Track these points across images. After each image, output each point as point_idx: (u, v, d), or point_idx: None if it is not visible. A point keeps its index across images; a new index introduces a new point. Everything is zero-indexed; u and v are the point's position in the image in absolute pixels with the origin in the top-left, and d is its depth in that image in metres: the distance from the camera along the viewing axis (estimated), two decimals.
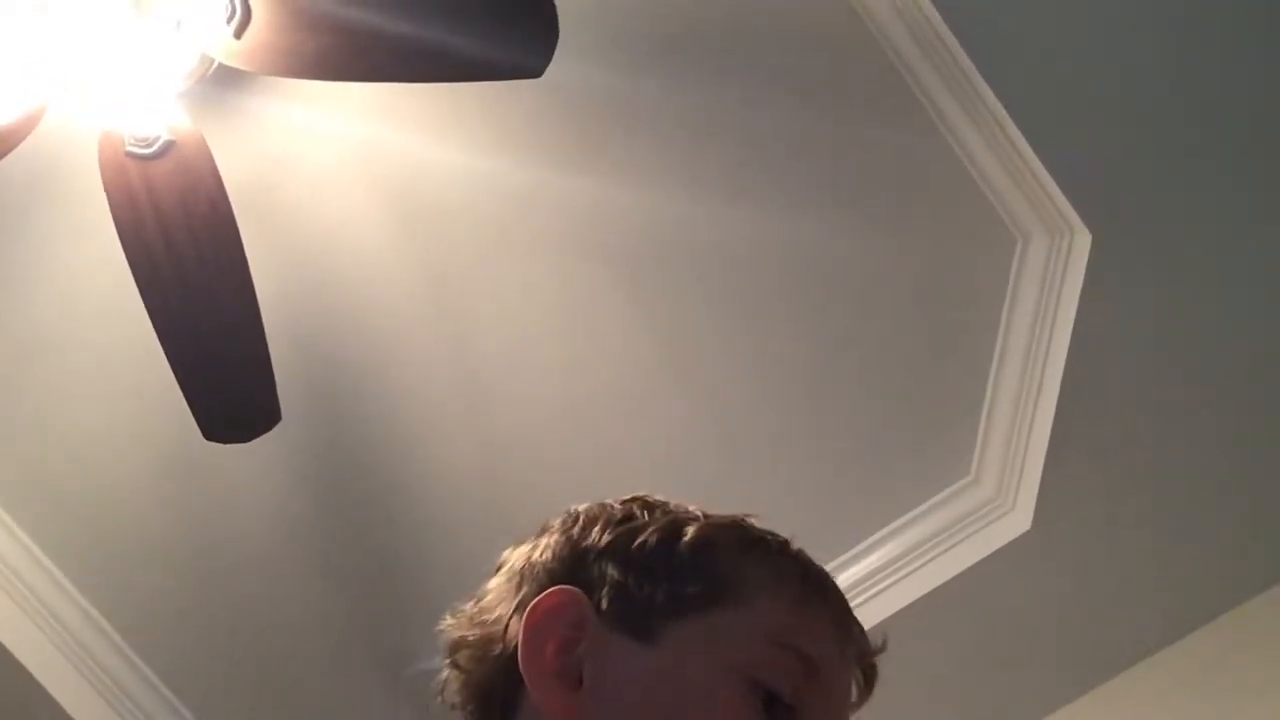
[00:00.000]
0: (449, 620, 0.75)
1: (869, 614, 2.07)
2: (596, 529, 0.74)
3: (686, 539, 0.72)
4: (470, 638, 0.73)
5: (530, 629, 0.69)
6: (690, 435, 1.99)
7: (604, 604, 0.70)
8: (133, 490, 2.09)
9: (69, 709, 2.12)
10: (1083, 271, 1.78)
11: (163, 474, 2.08)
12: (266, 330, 1.64)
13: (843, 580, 2.08)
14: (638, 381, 2.00)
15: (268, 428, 1.74)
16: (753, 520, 0.76)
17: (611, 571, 0.71)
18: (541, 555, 0.74)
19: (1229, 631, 2.09)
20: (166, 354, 1.63)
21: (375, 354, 2.01)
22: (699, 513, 0.76)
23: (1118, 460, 1.96)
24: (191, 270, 1.54)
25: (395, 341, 2.00)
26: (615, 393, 1.99)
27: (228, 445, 1.76)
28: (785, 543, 0.75)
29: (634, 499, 0.77)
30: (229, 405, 1.70)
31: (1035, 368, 1.92)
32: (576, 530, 0.75)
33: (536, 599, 0.70)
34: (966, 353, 1.97)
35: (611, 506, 0.76)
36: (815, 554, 2.25)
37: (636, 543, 0.72)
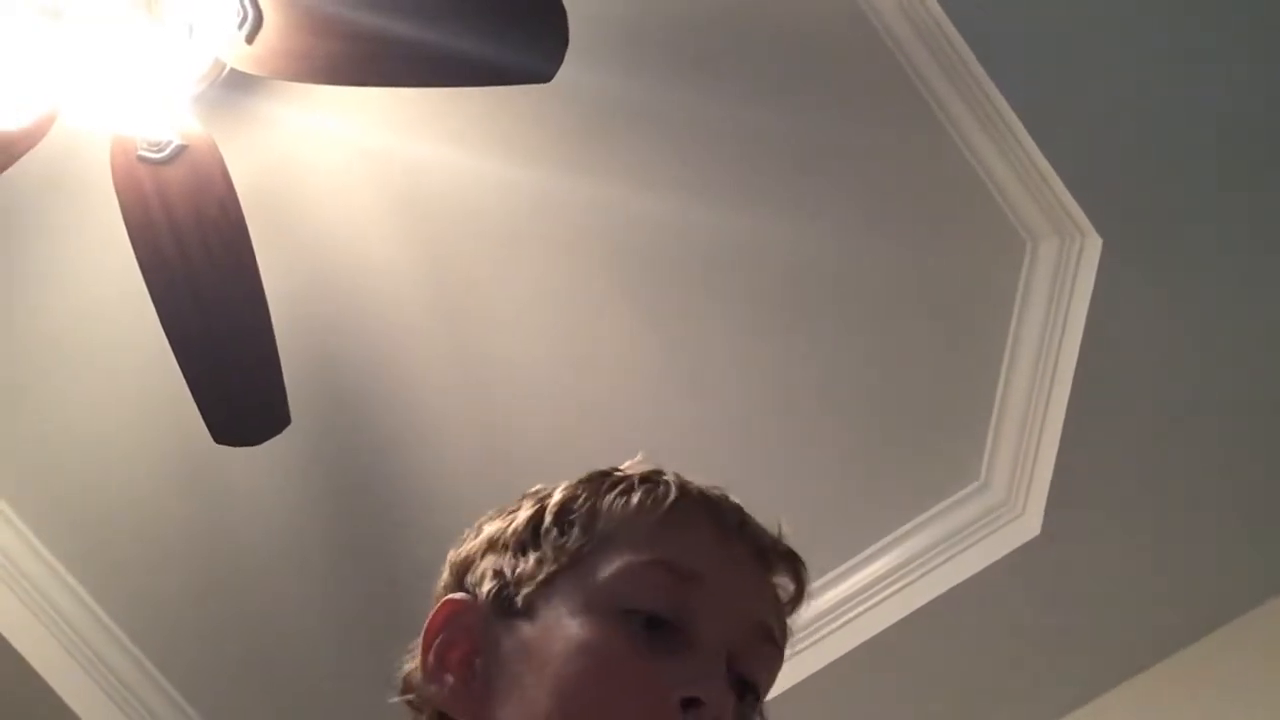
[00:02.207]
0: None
1: (879, 618, 2.07)
2: (477, 532, 0.74)
3: (549, 506, 0.72)
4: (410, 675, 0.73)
5: (424, 652, 0.69)
6: (698, 439, 1.99)
7: (487, 597, 0.69)
8: (143, 492, 2.10)
9: (78, 711, 2.13)
10: (1094, 275, 1.77)
11: (172, 476, 2.09)
12: (276, 333, 1.64)
13: (852, 585, 2.08)
14: (646, 385, 2.00)
15: (277, 430, 1.74)
16: (635, 464, 0.74)
17: (489, 563, 0.71)
18: (441, 580, 0.74)
19: (1240, 637, 2.08)
20: (177, 357, 1.63)
21: (384, 357, 2.02)
22: (575, 479, 0.75)
23: (1128, 465, 1.96)
24: (202, 274, 1.55)
25: (404, 345, 2.00)
26: (623, 397, 1.99)
27: (237, 448, 1.77)
28: (651, 473, 0.72)
29: (527, 493, 0.76)
30: (239, 408, 1.71)
31: (1045, 372, 1.91)
32: (464, 541, 0.75)
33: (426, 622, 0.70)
34: (976, 357, 1.97)
35: (499, 509, 0.76)
36: (825, 558, 2.25)
37: (510, 529, 0.72)
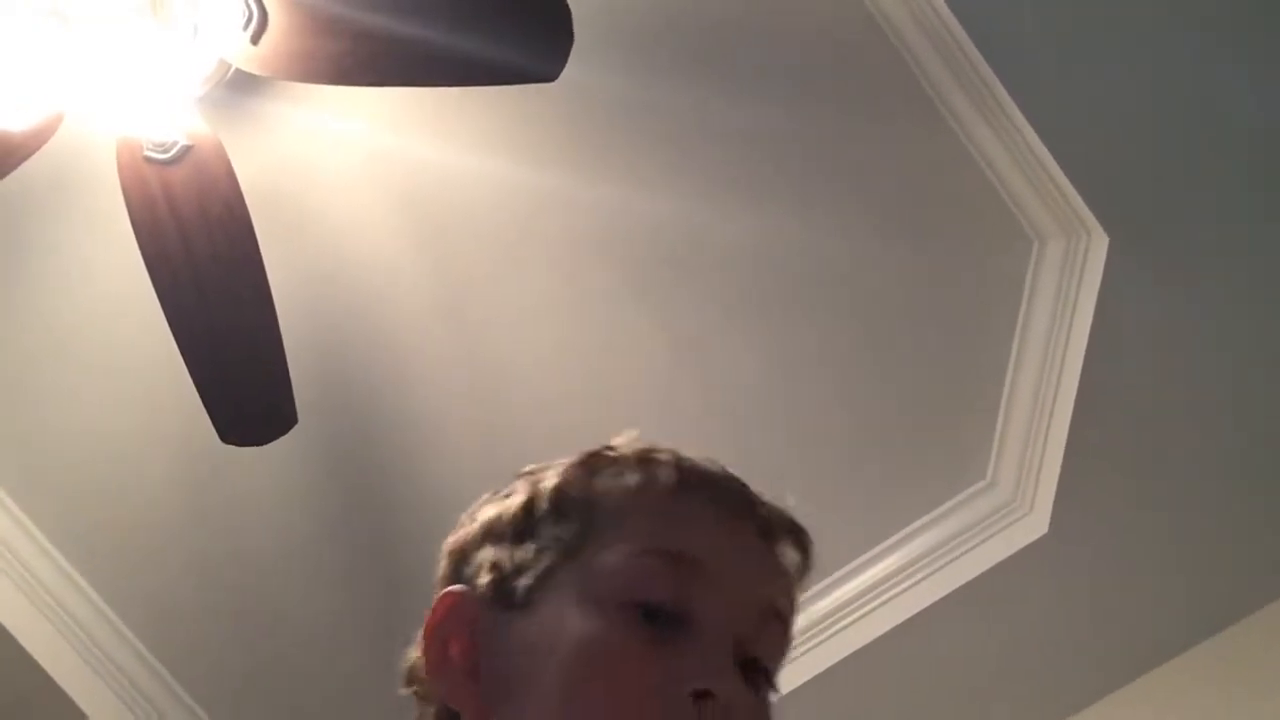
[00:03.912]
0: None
1: (885, 618, 2.06)
2: (472, 518, 0.72)
3: (544, 492, 0.69)
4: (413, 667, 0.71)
5: (426, 646, 0.68)
6: (703, 438, 1.98)
7: (485, 589, 0.68)
8: (150, 491, 2.10)
9: (86, 709, 2.13)
10: (1100, 274, 1.77)
11: (181, 476, 2.09)
12: (283, 334, 1.64)
13: (859, 584, 2.08)
14: (652, 386, 2.00)
15: (283, 431, 1.74)
16: (623, 442, 0.71)
17: (486, 555, 0.69)
18: (439, 570, 0.72)
19: (1248, 637, 2.07)
20: (184, 357, 1.64)
21: (390, 357, 2.02)
22: (570, 459, 0.72)
23: (1136, 463, 1.95)
24: (208, 274, 1.55)
25: (410, 344, 2.01)
26: (629, 395, 1.99)
27: (247, 453, 1.77)
28: (644, 451, 0.70)
29: (521, 473, 0.74)
30: (245, 408, 1.71)
31: (1052, 371, 1.91)
32: (460, 528, 0.72)
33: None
34: (983, 355, 1.97)
35: (494, 492, 0.74)
36: (832, 557, 2.24)
37: (506, 517, 0.70)
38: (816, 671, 2.07)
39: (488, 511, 0.72)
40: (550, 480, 0.70)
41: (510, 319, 1.98)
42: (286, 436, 1.76)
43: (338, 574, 2.17)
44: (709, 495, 0.68)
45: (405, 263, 1.95)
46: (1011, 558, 2.00)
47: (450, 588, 0.69)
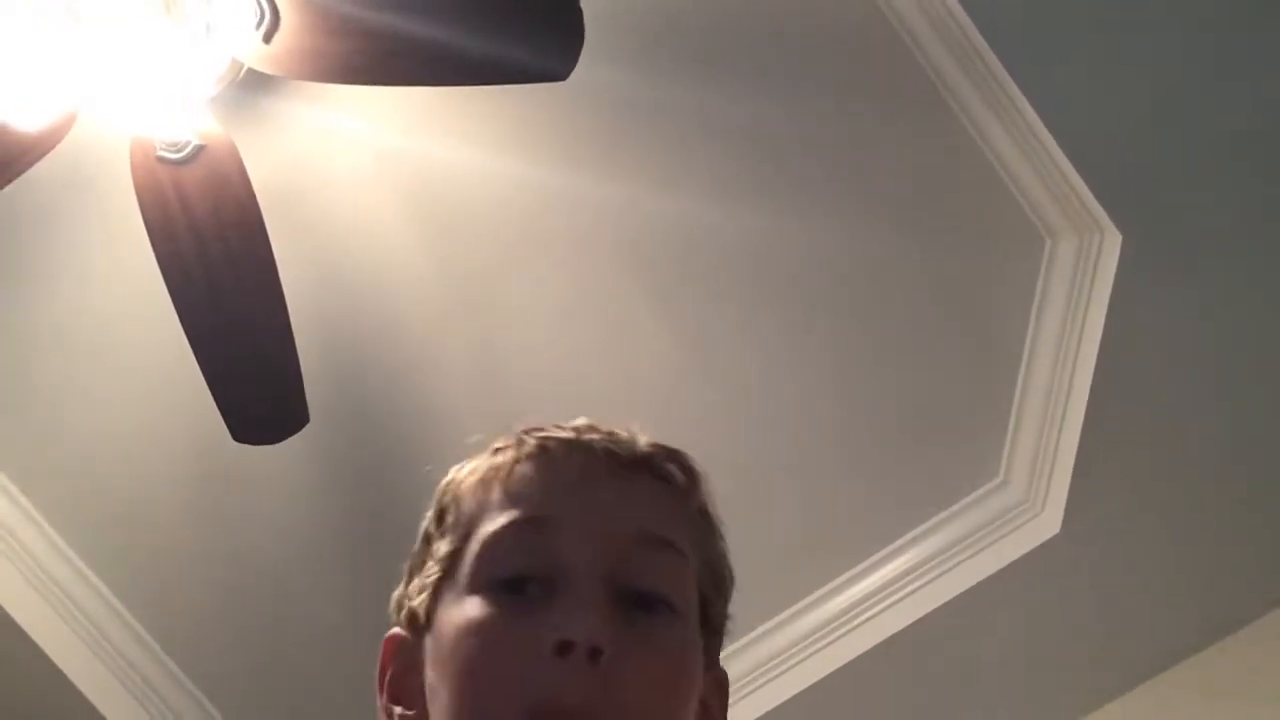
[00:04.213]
0: None
1: (898, 617, 2.06)
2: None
3: (430, 516, 0.72)
4: None
5: (378, 692, 0.70)
6: (714, 438, 1.98)
7: (404, 624, 0.70)
8: (162, 489, 2.11)
9: (101, 708, 2.14)
10: (1113, 272, 1.76)
11: (191, 473, 2.10)
12: (294, 332, 1.65)
13: (870, 583, 2.07)
14: (662, 384, 2.00)
15: (296, 429, 1.75)
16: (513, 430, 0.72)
17: (406, 589, 0.72)
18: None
19: (1261, 637, 2.06)
20: (196, 356, 1.64)
21: (402, 355, 2.02)
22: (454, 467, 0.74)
23: (1148, 463, 1.94)
24: (221, 273, 1.56)
25: (421, 342, 2.01)
26: (639, 394, 1.99)
27: (257, 450, 1.78)
28: (501, 442, 0.71)
29: None
30: (257, 407, 1.72)
31: (1065, 370, 1.90)
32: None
33: None
34: (996, 354, 1.96)
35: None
36: (844, 556, 2.23)
37: (414, 550, 0.72)
38: (828, 670, 2.07)
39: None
40: (435, 499, 0.72)
41: (518, 316, 1.98)
42: (299, 434, 1.76)
43: (347, 571, 2.18)
44: (554, 458, 0.69)
45: (415, 261, 1.95)
46: (1023, 558, 2.00)
47: (388, 634, 0.71)
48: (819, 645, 2.09)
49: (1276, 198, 1.72)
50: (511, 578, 0.64)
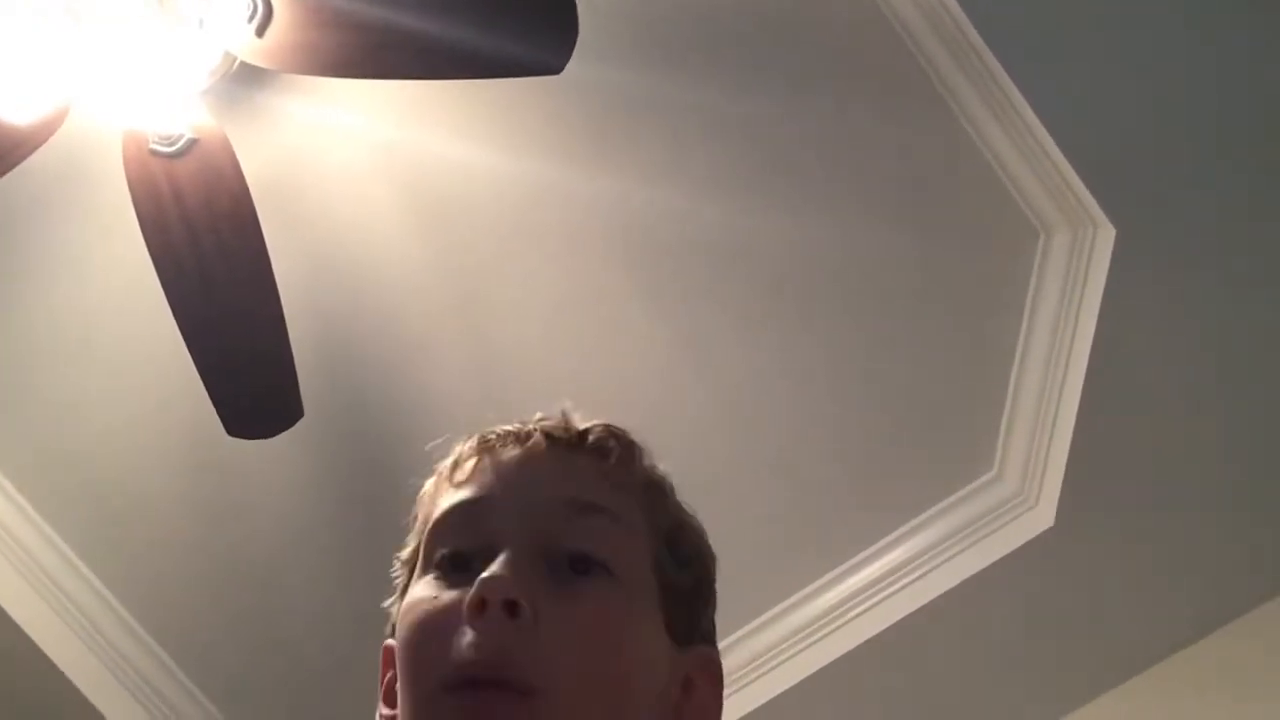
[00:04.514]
0: None
1: (891, 610, 2.06)
2: None
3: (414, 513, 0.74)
4: None
5: (381, 698, 0.72)
6: (708, 432, 1.98)
7: (390, 633, 0.72)
8: (156, 483, 2.11)
9: (94, 701, 2.14)
10: (1106, 266, 1.76)
11: (186, 467, 2.10)
12: (289, 325, 1.64)
13: (864, 576, 2.08)
14: (655, 378, 2.00)
15: (290, 424, 1.75)
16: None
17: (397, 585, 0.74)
18: None
19: (1254, 630, 2.06)
20: (190, 349, 1.64)
21: (395, 349, 2.02)
22: None
23: (1142, 456, 1.94)
24: (214, 266, 1.55)
25: (415, 336, 2.01)
26: (632, 388, 1.99)
27: (252, 445, 1.77)
28: (458, 443, 0.74)
29: None
30: (251, 401, 1.71)
31: (1059, 363, 1.91)
32: None
33: None
34: (989, 348, 1.96)
35: None
36: (837, 550, 2.23)
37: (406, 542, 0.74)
38: (821, 665, 2.07)
39: None
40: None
41: (512, 310, 1.98)
42: (293, 428, 1.76)
43: (342, 563, 2.18)
44: (492, 447, 0.71)
45: (409, 254, 1.95)
46: (1017, 551, 2.00)
47: (385, 642, 0.73)
48: (812, 640, 2.09)
49: (1270, 191, 1.72)
50: (449, 555, 0.66)
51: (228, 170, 1.53)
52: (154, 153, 1.51)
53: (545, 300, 1.97)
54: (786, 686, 2.08)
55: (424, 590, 0.65)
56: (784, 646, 2.10)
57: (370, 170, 1.88)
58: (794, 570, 2.09)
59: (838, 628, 2.08)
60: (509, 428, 0.72)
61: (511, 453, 0.70)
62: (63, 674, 2.11)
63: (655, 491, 0.72)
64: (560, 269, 1.94)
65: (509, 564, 0.63)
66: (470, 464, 0.70)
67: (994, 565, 2.02)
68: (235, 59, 1.56)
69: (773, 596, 2.09)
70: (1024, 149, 1.74)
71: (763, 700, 2.07)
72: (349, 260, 1.96)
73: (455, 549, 0.66)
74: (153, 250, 1.56)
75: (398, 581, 0.72)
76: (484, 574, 0.62)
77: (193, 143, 1.52)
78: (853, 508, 2.06)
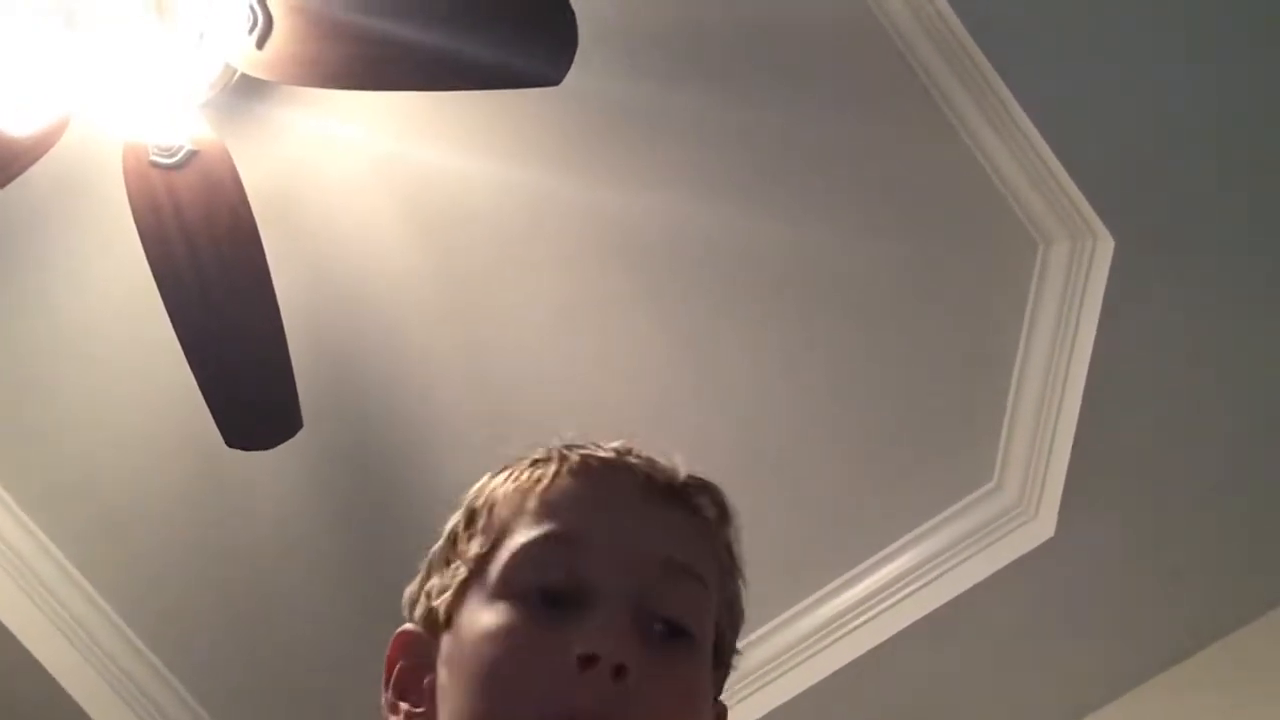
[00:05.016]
0: None
1: (889, 622, 2.06)
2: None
3: (461, 513, 0.73)
4: None
5: (385, 686, 0.71)
6: (708, 441, 1.98)
7: (420, 621, 0.71)
8: (153, 491, 2.11)
9: (87, 708, 2.14)
10: (1105, 277, 1.76)
11: (185, 475, 2.10)
12: (288, 334, 1.65)
13: (864, 588, 2.07)
14: (656, 387, 2.00)
15: (288, 435, 1.75)
16: (541, 448, 0.74)
17: (424, 587, 0.73)
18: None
19: (1256, 640, 2.06)
20: (189, 361, 1.64)
21: (396, 360, 2.02)
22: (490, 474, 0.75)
23: (1142, 467, 1.94)
24: (214, 279, 1.55)
25: (416, 347, 2.01)
26: (633, 398, 1.99)
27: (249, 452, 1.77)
28: (543, 453, 0.73)
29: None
30: (250, 413, 1.71)
31: (1058, 374, 1.90)
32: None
33: None
34: (989, 358, 1.96)
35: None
36: (836, 561, 2.22)
37: (435, 548, 0.74)
38: (820, 678, 2.07)
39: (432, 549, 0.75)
40: (466, 501, 0.74)
41: (514, 320, 1.98)
42: (293, 439, 1.76)
43: (342, 575, 2.18)
44: (595, 476, 0.70)
45: (409, 264, 1.95)
46: (1016, 562, 2.00)
47: (401, 628, 0.73)
48: (810, 652, 2.08)
49: (1269, 201, 1.73)
50: (540, 590, 0.66)
51: (228, 182, 1.53)
52: (154, 164, 1.51)
53: (546, 307, 1.97)
54: (784, 700, 2.07)
55: (509, 619, 0.65)
56: (780, 660, 2.09)
57: (371, 181, 1.88)
58: (792, 581, 2.09)
59: (834, 642, 2.07)
60: (605, 455, 0.72)
61: (610, 487, 0.70)
62: (56, 682, 2.11)
63: (730, 558, 0.73)
64: (560, 276, 1.95)
65: (616, 625, 0.64)
66: (566, 487, 0.70)
67: (994, 576, 2.01)
68: (235, 71, 1.56)
69: (769, 610, 2.08)
70: (1022, 158, 1.75)
71: (758, 715, 2.07)
72: (349, 271, 1.96)
73: (545, 586, 0.66)
74: (152, 261, 1.56)
75: (456, 578, 0.69)
76: (593, 629, 0.63)
77: (193, 154, 1.52)
78: (849, 519, 2.05)
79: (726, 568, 0.72)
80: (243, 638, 2.22)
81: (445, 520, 0.76)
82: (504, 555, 0.68)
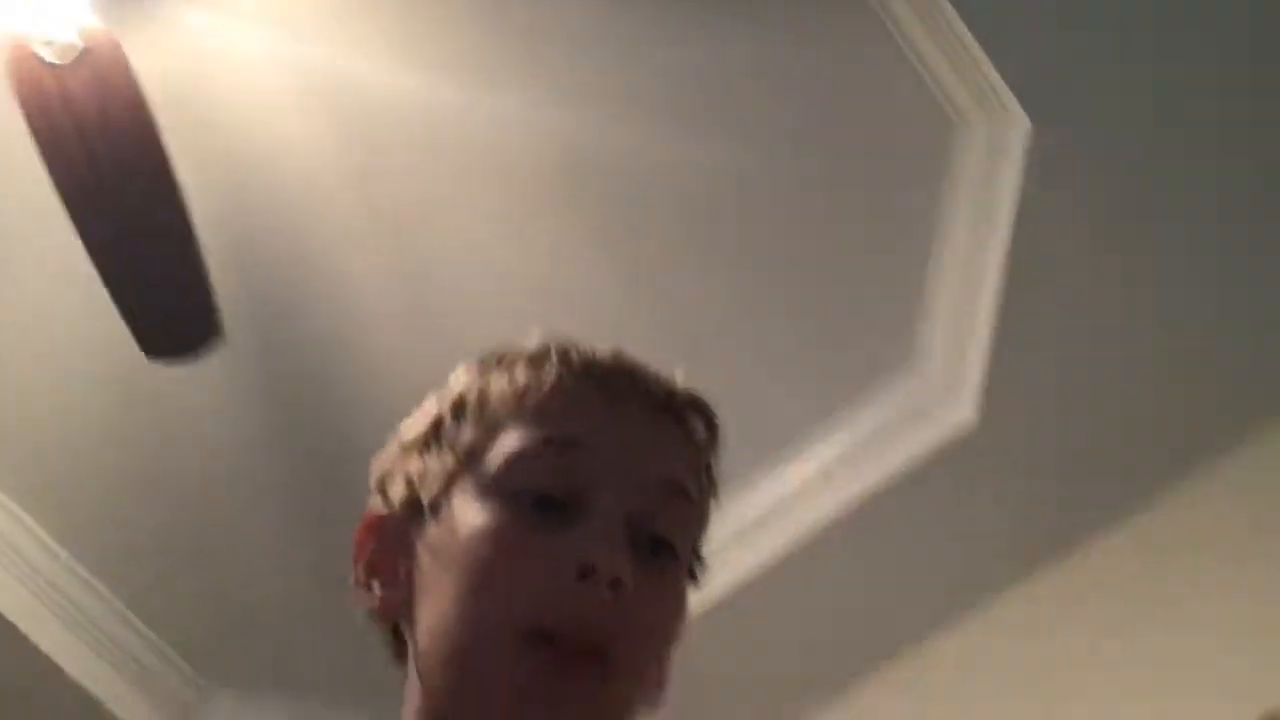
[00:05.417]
0: None
1: (811, 512, 2.09)
2: (395, 439, 0.74)
3: (446, 401, 0.72)
4: None
5: (355, 567, 0.71)
6: (633, 333, 1.98)
7: (399, 505, 0.70)
8: (84, 421, 2.09)
9: (33, 637, 2.13)
10: (1022, 158, 1.77)
11: (113, 403, 2.07)
12: (209, 253, 1.60)
13: (783, 477, 2.09)
14: (570, 278, 1.98)
15: (210, 340, 1.70)
16: (524, 341, 0.72)
17: (400, 470, 0.71)
18: (370, 497, 0.74)
19: (1174, 514, 2.10)
20: (98, 269, 1.59)
21: (317, 265, 1.99)
22: (472, 363, 0.74)
23: (1065, 348, 1.97)
24: (115, 180, 1.50)
25: (338, 252, 1.97)
26: (559, 304, 1.97)
27: (178, 371, 1.73)
28: (539, 350, 0.71)
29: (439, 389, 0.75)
30: (168, 320, 1.67)
31: (978, 256, 1.91)
32: (385, 450, 0.74)
33: None
34: (907, 242, 1.96)
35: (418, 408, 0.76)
36: (754, 450, 2.22)
37: (414, 431, 0.72)
38: (743, 572, 2.09)
39: (404, 429, 0.73)
40: (453, 388, 0.72)
41: (450, 238, 1.96)
42: (221, 358, 1.73)
43: (280, 492, 2.17)
44: (595, 381, 0.69)
45: (325, 165, 1.90)
46: (938, 449, 2.02)
47: (371, 510, 0.72)
48: (732, 547, 2.10)
49: (1187, 81, 1.73)
50: (537, 494, 0.65)
51: (123, 80, 1.47)
52: (42, 61, 1.44)
53: (483, 229, 1.94)
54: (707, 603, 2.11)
55: (505, 519, 0.65)
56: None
57: (276, 78, 1.82)
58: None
59: (756, 534, 2.10)
60: (607, 361, 0.70)
61: (609, 397, 0.69)
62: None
63: (710, 479, 0.73)
64: (497, 198, 1.92)
65: (614, 538, 0.64)
66: (566, 389, 0.68)
67: (914, 463, 2.03)
68: None
69: None
70: (939, 38, 1.72)
71: None
72: (266, 179, 1.90)
73: (541, 492, 0.65)
74: (49, 166, 1.50)
75: (445, 466, 0.68)
76: (591, 540, 0.63)
77: (85, 52, 1.45)
78: (766, 409, 2.03)
79: (706, 489, 0.72)
80: (186, 557, 2.23)
81: (392, 417, 0.74)
82: (500, 453, 0.67)
